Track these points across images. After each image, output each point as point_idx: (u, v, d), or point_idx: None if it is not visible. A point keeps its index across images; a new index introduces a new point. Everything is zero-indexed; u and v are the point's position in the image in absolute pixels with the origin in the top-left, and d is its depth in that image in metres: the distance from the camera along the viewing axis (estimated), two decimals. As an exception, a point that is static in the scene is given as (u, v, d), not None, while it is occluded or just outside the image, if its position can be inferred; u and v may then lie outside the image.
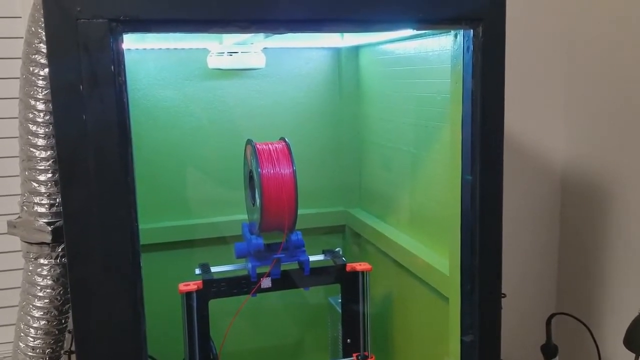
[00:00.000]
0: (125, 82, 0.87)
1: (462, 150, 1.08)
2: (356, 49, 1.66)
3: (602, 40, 1.63)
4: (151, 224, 1.60)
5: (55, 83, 0.84)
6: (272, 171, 1.27)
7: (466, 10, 0.99)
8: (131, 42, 1.46)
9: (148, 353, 0.96)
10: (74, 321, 0.90)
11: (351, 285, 1.40)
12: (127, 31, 0.86)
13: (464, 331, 1.13)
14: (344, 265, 1.39)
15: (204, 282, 1.31)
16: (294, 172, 1.28)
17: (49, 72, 0.84)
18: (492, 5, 1.00)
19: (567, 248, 1.84)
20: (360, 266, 1.39)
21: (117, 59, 0.86)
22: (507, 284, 1.13)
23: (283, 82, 1.64)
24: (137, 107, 1.53)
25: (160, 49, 1.51)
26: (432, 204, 1.34)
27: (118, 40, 0.85)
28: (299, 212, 1.72)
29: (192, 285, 1.29)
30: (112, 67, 0.85)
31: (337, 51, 1.67)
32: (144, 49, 1.51)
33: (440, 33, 1.20)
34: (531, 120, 1.80)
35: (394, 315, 1.57)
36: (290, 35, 1.51)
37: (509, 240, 1.80)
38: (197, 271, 1.35)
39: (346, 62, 1.67)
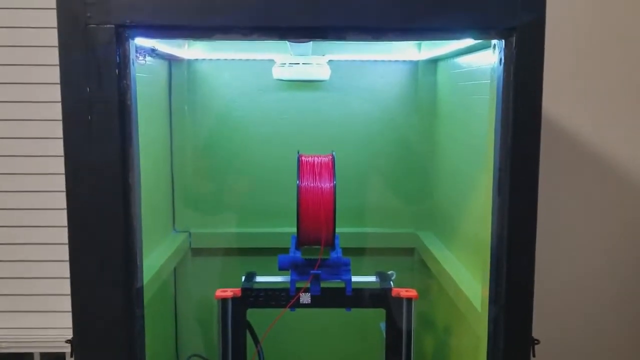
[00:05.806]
0: (130, 85, 0.90)
1: (493, 172, 0.96)
2: (434, 63, 1.57)
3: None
4: (231, 229, 1.65)
5: (65, 81, 0.89)
6: (311, 184, 1.24)
7: (495, 20, 0.89)
8: (203, 52, 1.52)
9: (147, 346, 0.98)
10: (72, 312, 0.94)
11: (396, 311, 1.31)
12: (133, 36, 0.89)
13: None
14: (390, 290, 1.31)
15: (243, 290, 1.30)
16: (334, 186, 1.24)
17: (60, 73, 0.89)
18: (528, 13, 0.88)
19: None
20: (405, 292, 1.30)
21: (123, 62, 0.89)
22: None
23: (357, 95, 1.61)
24: (207, 116, 1.59)
25: (234, 59, 1.56)
26: (485, 232, 1.21)
27: (125, 44, 0.89)
28: (369, 230, 1.67)
29: (229, 292, 1.30)
30: (117, 70, 0.89)
31: (414, 65, 1.60)
32: (217, 59, 1.56)
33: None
34: (592, 118, 1.64)
35: (440, 349, 1.45)
36: (355, 47, 1.49)
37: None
38: (243, 279, 1.36)
39: (423, 76, 1.58)
